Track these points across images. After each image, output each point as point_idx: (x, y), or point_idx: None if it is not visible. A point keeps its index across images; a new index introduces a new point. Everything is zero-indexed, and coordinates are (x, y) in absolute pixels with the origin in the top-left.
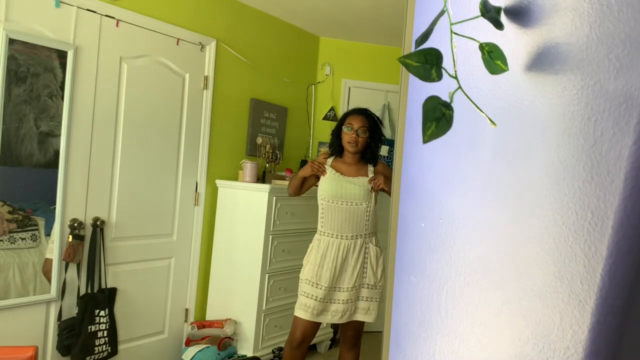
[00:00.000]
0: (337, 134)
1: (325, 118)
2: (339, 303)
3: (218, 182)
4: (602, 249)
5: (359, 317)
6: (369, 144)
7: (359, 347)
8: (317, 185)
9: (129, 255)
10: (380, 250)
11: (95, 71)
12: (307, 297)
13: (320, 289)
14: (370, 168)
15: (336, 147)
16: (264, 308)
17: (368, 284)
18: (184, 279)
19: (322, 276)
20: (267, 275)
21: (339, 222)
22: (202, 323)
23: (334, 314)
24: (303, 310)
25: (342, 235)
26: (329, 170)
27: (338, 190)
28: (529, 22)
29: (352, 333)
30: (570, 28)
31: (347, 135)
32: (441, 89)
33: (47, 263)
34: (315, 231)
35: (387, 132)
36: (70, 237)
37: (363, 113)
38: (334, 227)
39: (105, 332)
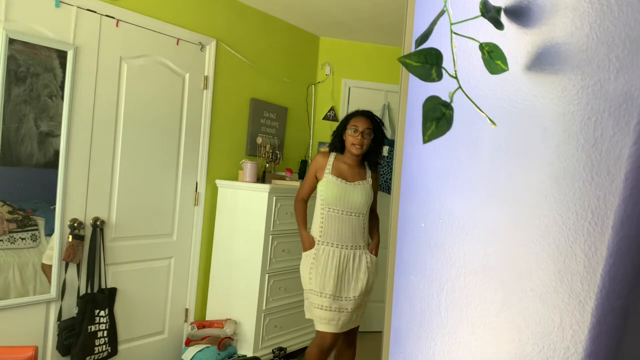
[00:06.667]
0: (339, 135)
1: (325, 118)
2: (344, 312)
3: (218, 182)
4: (602, 249)
5: (359, 321)
6: (372, 147)
7: (356, 343)
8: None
9: (129, 255)
10: (376, 257)
11: (95, 71)
12: (319, 308)
13: (325, 297)
14: (369, 173)
15: (338, 148)
16: (264, 308)
17: (366, 291)
18: (184, 279)
19: (326, 285)
20: (267, 275)
21: (339, 232)
22: (202, 323)
23: (343, 324)
24: (323, 324)
25: (342, 245)
26: (332, 177)
27: (342, 198)
28: (529, 22)
29: (352, 335)
30: (570, 28)
31: (353, 137)
32: (441, 89)
33: (46, 268)
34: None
35: (387, 132)
36: (70, 237)
37: (367, 115)
38: (333, 236)
39: (105, 332)
